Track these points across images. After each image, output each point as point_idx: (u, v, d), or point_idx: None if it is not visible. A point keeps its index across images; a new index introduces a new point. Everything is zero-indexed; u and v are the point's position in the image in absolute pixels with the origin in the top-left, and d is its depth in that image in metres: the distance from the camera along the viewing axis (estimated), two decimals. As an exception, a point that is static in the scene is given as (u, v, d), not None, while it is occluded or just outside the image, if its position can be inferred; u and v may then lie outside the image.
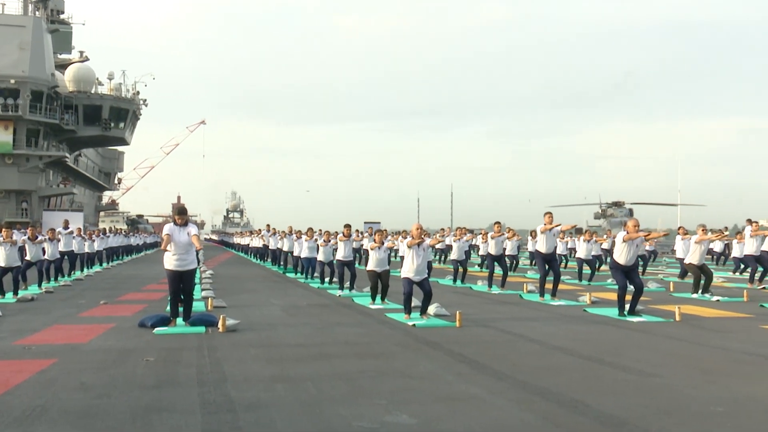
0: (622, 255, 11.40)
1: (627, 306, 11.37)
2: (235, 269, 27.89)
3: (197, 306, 11.66)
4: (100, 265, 27.09)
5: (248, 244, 40.66)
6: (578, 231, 31.62)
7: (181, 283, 9.97)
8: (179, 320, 10.01)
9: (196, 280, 13.26)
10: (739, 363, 7.35)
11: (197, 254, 10.73)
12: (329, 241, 17.99)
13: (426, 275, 11.11)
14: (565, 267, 25.71)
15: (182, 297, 10.10)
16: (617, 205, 52.30)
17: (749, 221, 18.87)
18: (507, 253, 18.55)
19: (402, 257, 11.34)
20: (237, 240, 53.59)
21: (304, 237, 20.03)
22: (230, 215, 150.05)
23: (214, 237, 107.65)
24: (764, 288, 16.99)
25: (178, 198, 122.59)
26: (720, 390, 6.04)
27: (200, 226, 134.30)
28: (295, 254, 22.08)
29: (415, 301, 11.43)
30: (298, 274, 21.96)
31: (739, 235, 20.99)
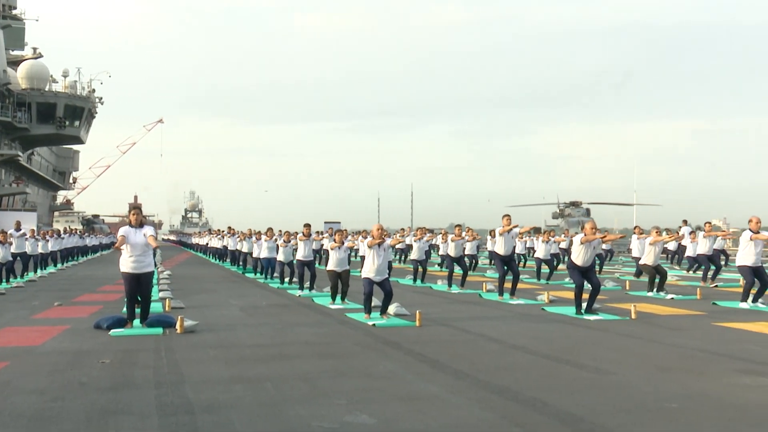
0: (579, 256, 11.57)
1: (584, 304, 11.53)
2: (194, 269, 27.59)
3: (155, 307, 11.51)
4: (55, 266, 26.58)
5: (207, 244, 40.30)
6: (537, 231, 31.97)
7: (138, 286, 9.81)
8: (136, 321, 9.86)
9: (154, 281, 13.09)
10: (692, 359, 7.50)
11: (154, 255, 10.59)
12: (289, 241, 17.92)
13: (387, 275, 11.13)
14: (524, 266, 25.97)
15: (139, 299, 9.96)
16: (575, 204, 52.98)
17: (708, 223, 19.33)
18: (466, 252, 18.67)
19: (362, 257, 11.35)
20: (195, 240, 53.04)
21: (263, 237, 19.92)
22: (189, 215, 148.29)
23: (173, 237, 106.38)
24: (716, 286, 17.37)
25: (135, 198, 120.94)
26: (674, 386, 6.16)
27: (158, 226, 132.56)
28: (254, 256, 21.94)
29: (376, 301, 11.44)
30: (258, 275, 21.81)
31: (693, 234, 21.45)
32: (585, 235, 11.57)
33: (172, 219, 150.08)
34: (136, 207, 10.16)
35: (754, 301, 12.75)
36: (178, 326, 9.52)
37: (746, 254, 12.84)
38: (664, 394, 5.83)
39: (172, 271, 24.14)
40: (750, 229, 12.91)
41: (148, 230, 9.83)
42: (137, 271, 9.72)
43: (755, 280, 12.77)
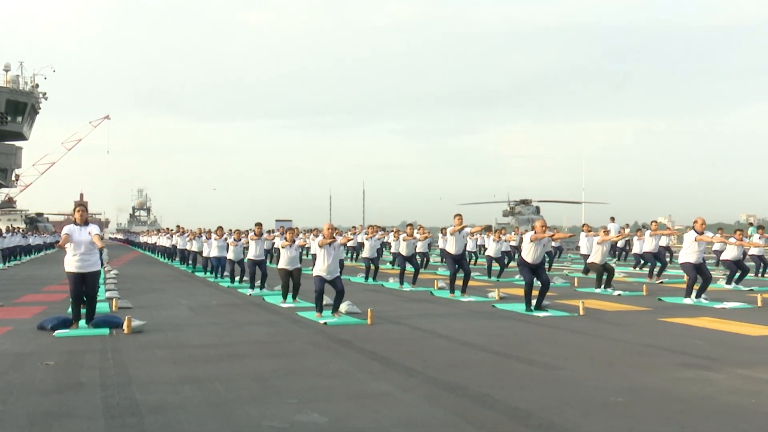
0: (529, 254, 11.74)
1: (534, 301, 11.69)
2: (142, 269, 27.15)
3: (101, 307, 11.30)
4: (-4, 265, 25.86)
5: (155, 243, 39.69)
6: (488, 229, 32.25)
7: (84, 286, 9.61)
8: (81, 322, 9.66)
9: (100, 281, 12.84)
10: (638, 354, 7.66)
11: (101, 254, 10.39)
12: (239, 239, 17.76)
13: (338, 274, 11.11)
14: (475, 264, 26.19)
15: (85, 299, 9.75)
16: (525, 203, 53.59)
17: (654, 222, 19.76)
18: (418, 250, 18.74)
19: (314, 255, 11.31)
20: (144, 239, 52.18)
21: (213, 236, 19.71)
22: (137, 213, 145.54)
23: (120, 236, 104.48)
24: (662, 283, 17.78)
25: (81, 196, 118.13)
26: (620, 381, 6.28)
27: (105, 224, 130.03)
28: (204, 255, 21.68)
29: (327, 299, 11.42)
30: (208, 274, 21.57)
31: (639, 232, 21.94)
32: (535, 233, 11.74)
33: (119, 217, 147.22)
34: (81, 204, 9.94)
35: (698, 296, 13.08)
36: (125, 326, 9.35)
37: (689, 252, 13.17)
38: (611, 389, 5.95)
39: (120, 270, 23.72)
40: (695, 230, 13.22)
41: (93, 229, 9.63)
42: (82, 270, 9.51)
43: (698, 276, 13.11)
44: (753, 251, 20.21)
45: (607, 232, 15.84)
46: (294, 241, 13.40)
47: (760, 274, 19.88)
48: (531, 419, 4.98)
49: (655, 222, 19.67)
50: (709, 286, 13.27)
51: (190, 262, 25.45)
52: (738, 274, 16.38)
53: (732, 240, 16.40)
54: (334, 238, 11.08)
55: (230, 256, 17.90)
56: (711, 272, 13.76)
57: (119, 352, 7.89)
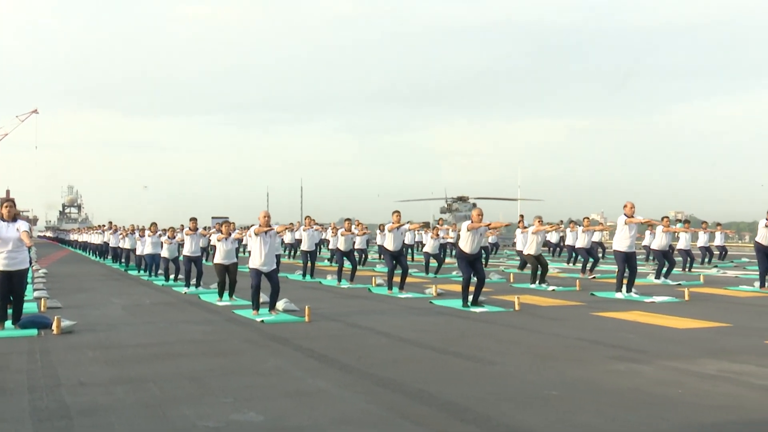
0: (467, 244, 11.83)
1: (470, 297, 11.82)
2: (72, 267, 26.46)
3: (29, 307, 10.95)
4: None
5: (87, 241, 38.71)
6: (426, 225, 32.47)
7: (11, 285, 9.29)
8: (8, 323, 9.35)
9: (28, 280, 12.45)
10: (571, 348, 7.84)
11: (29, 252, 10.08)
12: (174, 237, 17.47)
13: (275, 266, 11.02)
14: (413, 260, 26.36)
15: (12, 299, 9.44)
16: (462, 200, 54.30)
17: (586, 218, 20.22)
18: (356, 246, 18.77)
19: (250, 252, 11.19)
20: (74, 237, 50.85)
21: (147, 232, 19.32)
22: (67, 211, 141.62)
23: (49, 234, 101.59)
24: (594, 278, 18.21)
25: (7, 192, 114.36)
26: (554, 374, 6.42)
27: (33, 222, 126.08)
28: (138, 253, 21.26)
29: (264, 297, 11.34)
30: (141, 272, 21.16)
31: (572, 224, 22.48)
32: (472, 221, 11.86)
33: (48, 214, 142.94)
34: (8, 200, 9.62)
35: (628, 291, 13.45)
36: (54, 327, 9.09)
37: (621, 238, 13.52)
38: (545, 382, 6.07)
39: (49, 269, 23.07)
40: (625, 214, 13.59)
41: (22, 225, 9.31)
42: (9, 268, 9.20)
43: (626, 267, 13.46)
44: (681, 245, 20.89)
45: (541, 221, 16.12)
46: (230, 234, 13.23)
47: (687, 269, 20.56)
48: (467, 413, 5.04)
49: (588, 218, 20.14)
50: (638, 281, 13.66)
51: (123, 260, 24.93)
52: (666, 268, 16.89)
53: (659, 228, 16.80)
54: (270, 226, 10.95)
55: (165, 254, 17.61)
56: (641, 267, 14.15)
57: (48, 353, 7.67)
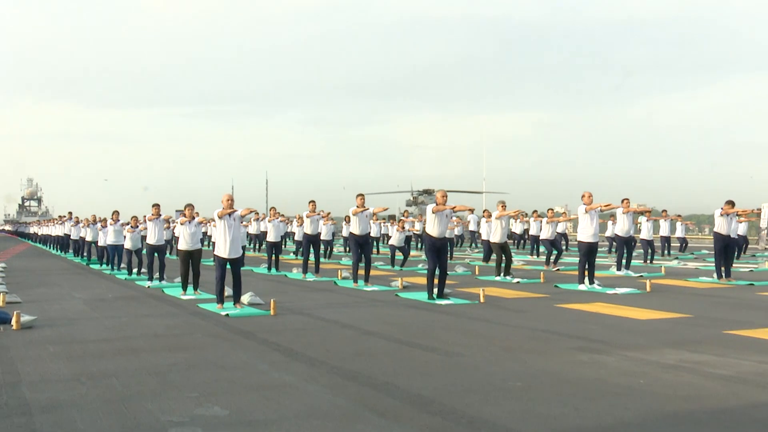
0: (434, 227, 11.84)
1: (435, 290, 11.87)
2: (32, 262, 26.02)
3: (-13, 302, 10.76)
4: None
5: (47, 234, 38.07)
6: (392, 218, 32.54)
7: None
8: (-35, 318, 9.17)
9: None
10: (535, 340, 7.92)
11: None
12: (137, 226, 17.15)
13: (241, 253, 10.92)
14: (378, 253, 26.41)
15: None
16: (428, 192, 54.48)
17: (550, 210, 20.43)
18: (322, 238, 18.72)
19: (214, 244, 11.07)
20: (34, 230, 49.96)
21: (109, 221, 18.92)
22: (26, 204, 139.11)
23: (8, 227, 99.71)
24: (558, 270, 18.41)
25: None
26: (518, 366, 6.48)
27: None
28: (100, 244, 20.94)
29: (229, 291, 11.27)
30: (103, 266, 20.88)
31: (535, 214, 22.74)
32: (437, 204, 11.89)
33: (7, 208, 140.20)
34: None
35: (591, 282, 13.62)
36: (13, 322, 8.93)
37: (585, 229, 13.67)
38: (510, 374, 6.13)
39: (8, 263, 22.66)
40: (583, 203, 13.74)
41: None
42: (-34, 263, 9.01)
43: (587, 261, 13.63)
44: (643, 235, 21.20)
45: (504, 206, 16.24)
46: (193, 218, 13.06)
47: (648, 261, 20.90)
48: (433, 405, 5.07)
49: (552, 210, 20.34)
50: (600, 273, 13.85)
51: (84, 254, 24.56)
52: (625, 260, 17.09)
53: (619, 211, 16.91)
54: (234, 209, 10.83)
55: (127, 245, 17.34)
56: (603, 259, 14.33)
57: (7, 349, 7.53)
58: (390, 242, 21.26)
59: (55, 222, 35.19)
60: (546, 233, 19.36)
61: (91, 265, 22.27)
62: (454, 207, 12.11)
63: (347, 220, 25.46)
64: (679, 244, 26.87)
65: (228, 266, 10.75)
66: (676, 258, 23.58)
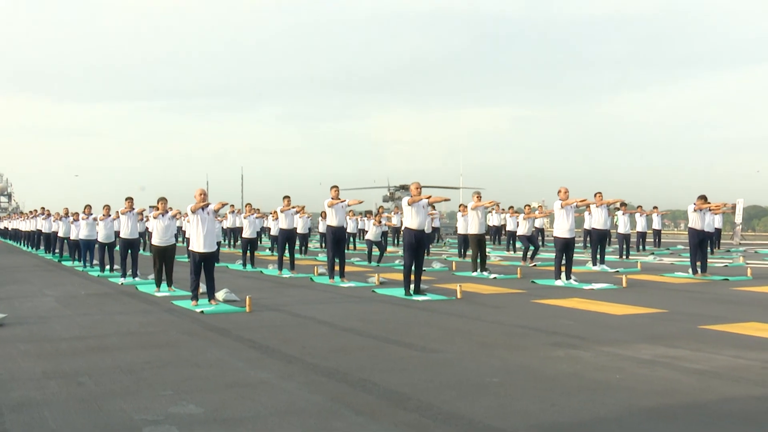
0: (412, 219, 11.84)
1: (412, 286, 11.89)
2: (2, 258, 25.68)
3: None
4: None
5: (17, 229, 37.57)
6: (368, 212, 32.51)
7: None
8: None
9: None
10: (512, 336, 7.96)
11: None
12: (109, 214, 16.87)
13: (216, 248, 10.85)
14: (354, 249, 26.40)
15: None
16: (405, 188, 54.50)
17: (527, 206, 20.54)
18: (298, 231, 18.65)
19: (188, 239, 11.00)
20: (4, 225, 49.30)
21: (81, 215, 18.65)
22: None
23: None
24: (535, 265, 18.52)
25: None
26: (495, 361, 6.51)
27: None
28: (72, 237, 20.68)
29: (203, 288, 11.21)
30: (76, 262, 20.66)
31: (512, 210, 22.89)
32: (411, 195, 11.91)
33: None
34: None
35: (567, 278, 13.72)
36: (-17, 320, 8.82)
37: (560, 224, 13.79)
38: (486, 369, 6.16)
39: (-23, 259, 22.33)
40: (560, 199, 13.85)
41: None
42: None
43: (564, 255, 13.74)
44: (620, 229, 21.37)
45: (479, 196, 16.29)
46: (166, 211, 12.95)
47: (624, 256, 21.08)
48: (410, 402, 5.08)
49: (528, 206, 20.45)
50: (576, 268, 13.96)
51: (56, 250, 24.27)
52: (599, 255, 17.21)
53: (593, 205, 17.06)
54: (207, 202, 10.76)
55: (100, 237, 17.06)
56: (579, 254, 14.44)
57: (-24, 347, 7.43)
58: (366, 237, 21.19)
59: (26, 217, 34.70)
60: (523, 229, 19.46)
61: (63, 262, 22.03)
62: (430, 197, 12.12)
63: (323, 215, 25.37)
64: (653, 240, 27.10)
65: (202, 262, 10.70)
66: (652, 253, 23.81)
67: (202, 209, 10.61)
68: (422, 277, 12.29)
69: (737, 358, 6.56)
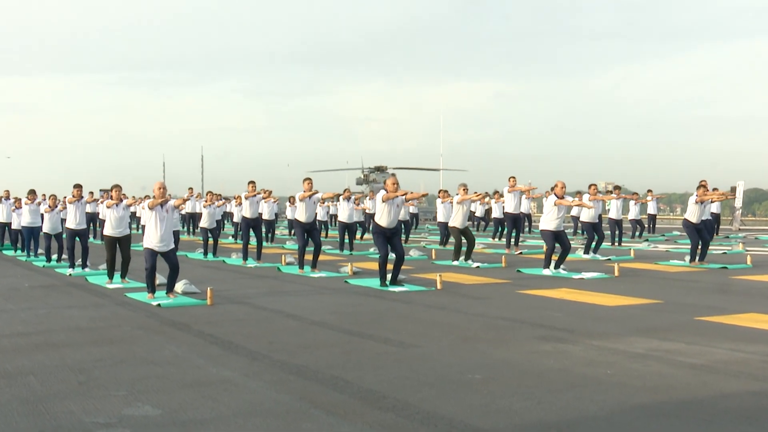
0: (383, 217, 11.87)
1: (389, 276, 11.93)
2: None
3: None
4: None
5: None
6: (338, 195, 32.36)
7: None
8: None
9: None
10: (496, 329, 8.03)
11: None
12: (56, 206, 16.75)
13: (173, 246, 10.82)
14: (326, 236, 26.37)
15: None
16: (380, 170, 54.37)
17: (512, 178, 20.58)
18: (264, 217, 18.60)
19: (143, 227, 10.94)
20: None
21: (24, 200, 18.44)
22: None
23: None
24: (521, 253, 18.65)
25: None
26: (478, 356, 6.56)
27: None
28: (13, 227, 20.46)
29: (161, 278, 11.16)
30: (18, 252, 20.45)
31: (497, 195, 22.98)
32: (386, 192, 11.89)
33: None
34: None
35: (557, 267, 13.84)
36: None
37: (549, 219, 13.90)
38: (468, 365, 6.20)
39: None
40: (555, 194, 13.95)
41: None
42: None
43: (556, 245, 13.88)
44: (611, 215, 21.55)
45: (466, 189, 16.38)
46: (121, 200, 12.86)
47: (616, 243, 21.29)
48: (385, 401, 5.11)
49: (513, 178, 20.45)
50: (567, 256, 14.07)
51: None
52: (594, 243, 17.42)
53: (589, 204, 17.27)
54: (166, 198, 10.69)
55: (46, 228, 16.94)
56: (570, 241, 14.56)
57: None
58: (339, 218, 21.01)
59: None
60: (510, 207, 19.44)
61: (4, 251, 21.78)
62: (406, 193, 12.13)
63: (291, 201, 25.32)
64: (647, 226, 27.35)
65: (161, 255, 10.63)
66: (646, 240, 24.07)
67: (161, 206, 10.51)
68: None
69: (735, 352, 6.67)
